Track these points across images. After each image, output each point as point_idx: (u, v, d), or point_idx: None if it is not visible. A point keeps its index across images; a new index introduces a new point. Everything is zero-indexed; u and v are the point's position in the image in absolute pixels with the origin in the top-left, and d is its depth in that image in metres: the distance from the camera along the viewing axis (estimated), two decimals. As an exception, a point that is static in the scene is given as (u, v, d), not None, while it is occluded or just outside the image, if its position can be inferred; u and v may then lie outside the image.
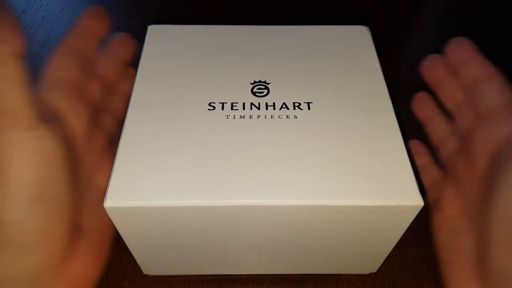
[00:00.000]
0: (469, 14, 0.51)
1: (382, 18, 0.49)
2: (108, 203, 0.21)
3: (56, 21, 0.49)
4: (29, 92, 0.21)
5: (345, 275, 0.30)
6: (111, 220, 0.23)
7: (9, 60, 0.20)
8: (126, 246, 0.29)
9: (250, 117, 0.25)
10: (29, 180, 0.20)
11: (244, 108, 0.25)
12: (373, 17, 0.41)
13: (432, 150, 0.28)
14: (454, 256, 0.25)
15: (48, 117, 0.22)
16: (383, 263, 0.28)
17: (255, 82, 0.27)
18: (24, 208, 0.20)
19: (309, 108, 0.25)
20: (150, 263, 0.28)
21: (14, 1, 0.51)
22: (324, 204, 0.21)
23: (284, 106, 0.25)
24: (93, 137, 0.27)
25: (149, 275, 0.29)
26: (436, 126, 0.28)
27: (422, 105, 0.29)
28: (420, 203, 0.21)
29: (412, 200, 0.21)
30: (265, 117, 0.25)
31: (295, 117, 0.25)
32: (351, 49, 0.29)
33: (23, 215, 0.20)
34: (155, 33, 0.30)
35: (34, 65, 0.42)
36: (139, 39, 0.33)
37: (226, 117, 0.24)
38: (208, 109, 0.25)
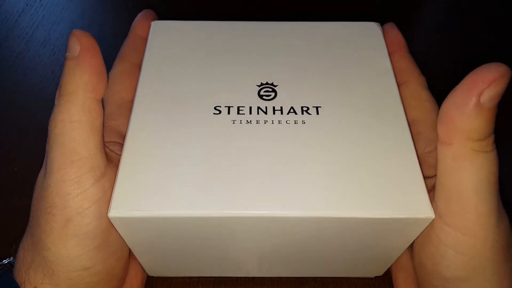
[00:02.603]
0: (469, 14, 0.51)
1: (382, 18, 0.49)
2: (112, 213, 0.20)
3: (56, 21, 0.48)
4: (102, 137, 0.21)
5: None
6: None
7: (94, 106, 0.21)
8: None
9: (257, 122, 0.24)
10: (93, 230, 0.21)
11: (250, 113, 0.24)
12: (372, 17, 0.41)
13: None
14: (398, 270, 0.27)
15: (112, 154, 0.23)
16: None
17: (262, 84, 0.26)
18: (91, 256, 0.21)
19: (317, 113, 0.24)
20: (155, 267, 0.27)
21: (14, 1, 0.50)
22: (331, 216, 0.21)
23: (292, 110, 0.24)
24: None
25: (151, 276, 0.29)
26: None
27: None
28: (431, 215, 0.21)
29: (423, 212, 0.21)
30: (272, 122, 0.24)
31: (303, 122, 0.24)
32: (361, 48, 0.28)
33: (90, 262, 0.21)
34: (158, 29, 0.29)
35: (34, 65, 0.42)
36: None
37: (232, 122, 0.24)
38: (214, 113, 0.24)
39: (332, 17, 0.48)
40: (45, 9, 0.50)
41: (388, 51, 0.28)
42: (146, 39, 0.28)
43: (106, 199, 0.21)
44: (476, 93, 0.17)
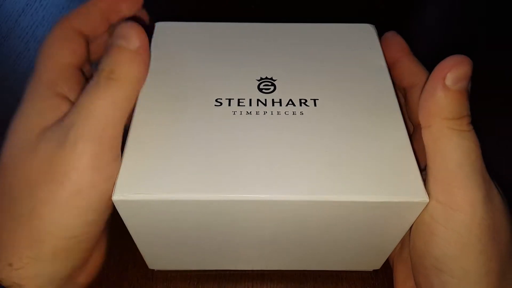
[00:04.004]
0: (469, 14, 0.51)
1: (382, 17, 0.49)
2: (116, 196, 0.21)
3: (56, 21, 0.49)
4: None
5: (346, 274, 0.30)
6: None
7: (135, 96, 0.24)
8: (126, 247, 0.29)
9: (257, 113, 0.25)
10: (97, 204, 0.22)
11: (250, 104, 0.25)
12: (373, 16, 0.41)
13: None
14: (399, 263, 0.28)
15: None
16: (384, 262, 0.28)
17: (261, 78, 0.27)
18: (83, 227, 0.22)
19: (315, 105, 0.25)
20: (156, 257, 0.28)
21: (14, 1, 0.51)
22: (329, 199, 0.21)
23: (290, 102, 0.25)
24: None
25: (150, 275, 0.29)
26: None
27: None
28: (425, 199, 0.21)
29: (417, 196, 0.21)
30: (272, 113, 0.25)
31: (301, 113, 0.25)
32: (357, 47, 0.29)
33: (79, 232, 0.22)
34: (162, 29, 0.30)
35: (34, 65, 0.42)
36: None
37: (233, 113, 0.25)
38: (215, 105, 0.25)
39: (332, 17, 0.49)
40: (45, 9, 0.50)
41: (383, 51, 0.29)
42: (105, 12, 0.27)
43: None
44: (441, 77, 0.21)
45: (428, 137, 0.22)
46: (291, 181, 0.22)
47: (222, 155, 0.23)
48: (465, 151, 0.21)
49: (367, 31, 0.30)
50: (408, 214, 0.23)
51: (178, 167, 0.22)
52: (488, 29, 0.49)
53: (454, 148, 0.21)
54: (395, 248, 0.28)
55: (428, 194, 0.22)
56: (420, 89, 0.26)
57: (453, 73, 0.21)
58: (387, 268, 0.29)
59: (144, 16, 0.30)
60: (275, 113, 0.25)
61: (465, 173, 0.21)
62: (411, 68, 0.28)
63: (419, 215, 0.23)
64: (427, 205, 0.22)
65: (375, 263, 0.29)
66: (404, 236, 0.25)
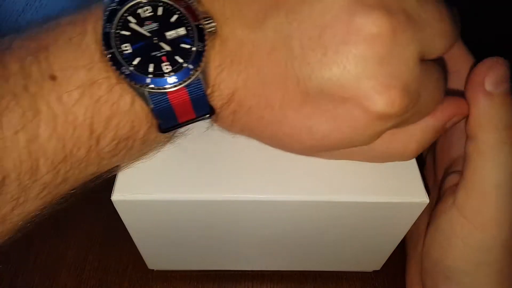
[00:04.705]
0: (469, 14, 0.51)
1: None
2: (115, 196, 0.21)
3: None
4: None
5: (346, 274, 0.30)
6: None
7: None
8: (126, 247, 0.29)
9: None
10: None
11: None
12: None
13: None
14: (412, 257, 0.27)
15: None
16: (384, 263, 0.28)
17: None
18: None
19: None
20: (155, 257, 0.28)
21: (14, 1, 0.51)
22: (329, 199, 0.21)
23: (290, 102, 0.25)
24: None
25: (150, 275, 0.29)
26: None
27: None
28: (425, 200, 0.21)
29: (417, 197, 0.21)
30: (272, 113, 0.24)
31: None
32: None
33: None
34: None
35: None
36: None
37: None
38: None
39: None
40: (45, 9, 0.50)
41: None
42: None
43: None
44: (479, 84, 0.19)
45: (471, 149, 0.20)
46: (291, 181, 0.22)
47: (222, 155, 0.22)
48: (508, 171, 0.19)
49: None
50: (408, 215, 0.23)
51: (177, 167, 0.22)
52: (488, 29, 0.49)
53: (497, 168, 0.19)
54: (412, 242, 0.27)
55: (456, 203, 0.21)
56: (460, 77, 0.22)
57: (491, 76, 0.19)
58: (387, 268, 0.29)
59: None
60: (275, 113, 0.24)
61: (501, 195, 0.20)
62: (453, 51, 0.22)
63: (439, 223, 0.22)
64: (452, 217, 0.21)
65: (375, 264, 0.29)
66: (420, 232, 0.25)
